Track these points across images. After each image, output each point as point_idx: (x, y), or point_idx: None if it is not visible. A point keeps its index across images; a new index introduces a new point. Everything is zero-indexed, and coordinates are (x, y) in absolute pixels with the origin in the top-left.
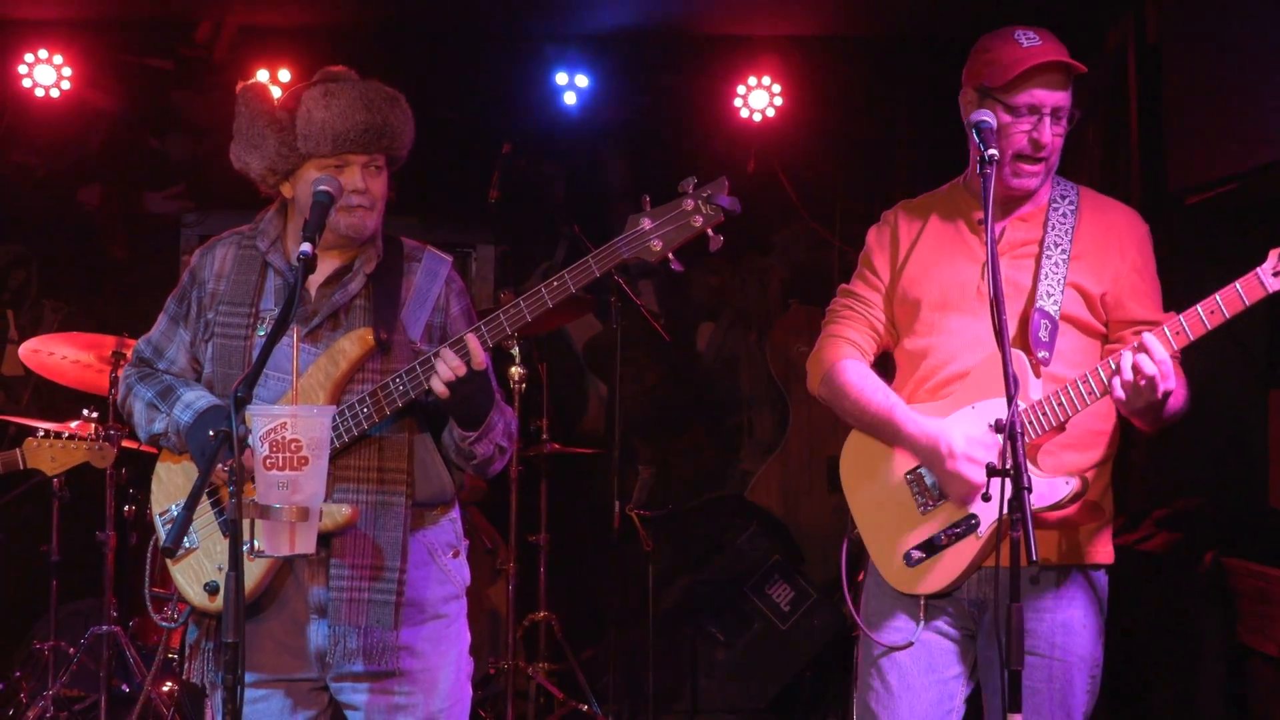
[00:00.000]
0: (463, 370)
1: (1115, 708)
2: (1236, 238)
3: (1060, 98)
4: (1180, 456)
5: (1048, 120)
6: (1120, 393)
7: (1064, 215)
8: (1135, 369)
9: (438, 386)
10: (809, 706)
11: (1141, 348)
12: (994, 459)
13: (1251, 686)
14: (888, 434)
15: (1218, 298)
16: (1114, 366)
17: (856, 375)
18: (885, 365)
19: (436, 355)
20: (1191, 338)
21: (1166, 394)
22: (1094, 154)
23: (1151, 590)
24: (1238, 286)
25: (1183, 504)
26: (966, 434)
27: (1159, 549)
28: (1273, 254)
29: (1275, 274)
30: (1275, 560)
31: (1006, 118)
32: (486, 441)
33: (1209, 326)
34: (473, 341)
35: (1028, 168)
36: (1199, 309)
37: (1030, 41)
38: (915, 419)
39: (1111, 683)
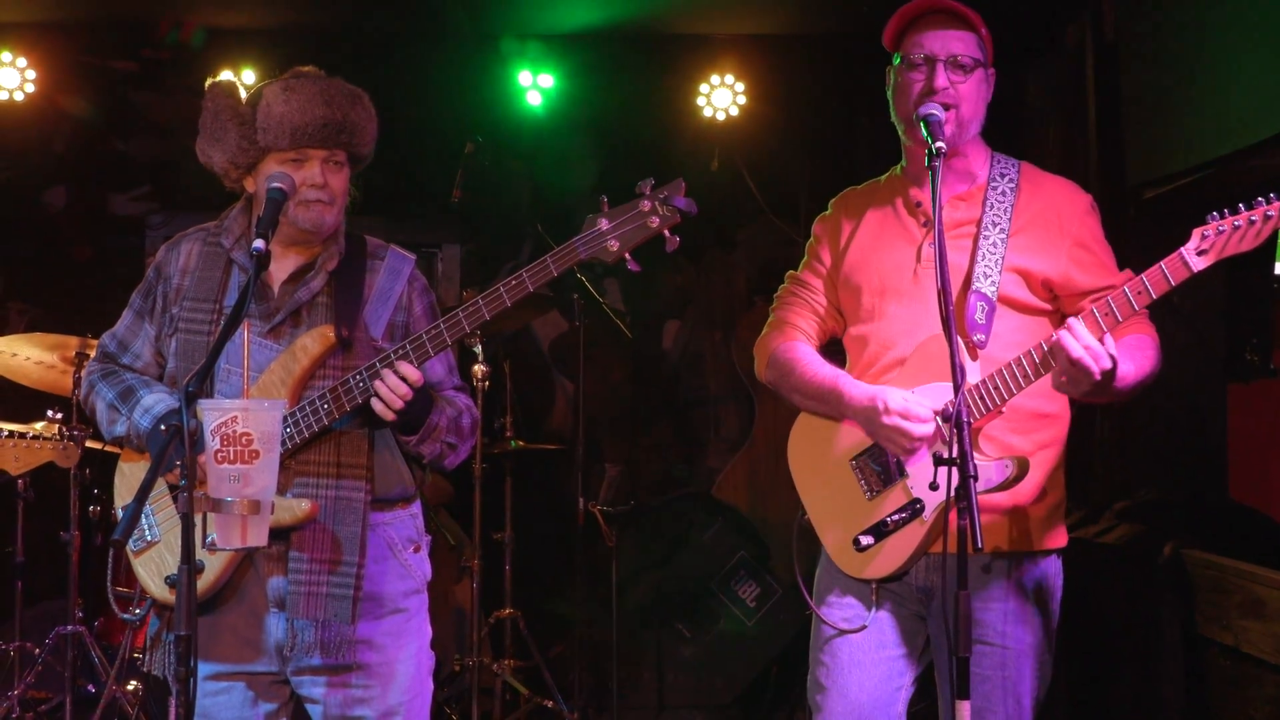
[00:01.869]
0: (409, 396)
1: (1076, 699)
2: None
3: (951, 43)
4: (1140, 449)
5: (941, 66)
6: (1057, 384)
7: (1003, 194)
8: (1060, 350)
9: (383, 411)
10: (775, 702)
11: (1066, 329)
12: (929, 417)
13: (1209, 676)
14: (832, 402)
15: (1144, 279)
16: (1037, 357)
17: (802, 352)
18: (834, 353)
19: (375, 372)
20: (1120, 318)
21: (1107, 373)
22: (1053, 150)
23: (1111, 582)
24: (1163, 266)
25: (1143, 496)
26: (903, 393)
27: (1119, 541)
28: (1195, 233)
29: (1199, 253)
30: (1233, 551)
31: (905, 74)
32: (431, 442)
33: (1136, 307)
34: (404, 366)
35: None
36: (1126, 290)
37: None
38: (856, 384)
39: (1072, 674)
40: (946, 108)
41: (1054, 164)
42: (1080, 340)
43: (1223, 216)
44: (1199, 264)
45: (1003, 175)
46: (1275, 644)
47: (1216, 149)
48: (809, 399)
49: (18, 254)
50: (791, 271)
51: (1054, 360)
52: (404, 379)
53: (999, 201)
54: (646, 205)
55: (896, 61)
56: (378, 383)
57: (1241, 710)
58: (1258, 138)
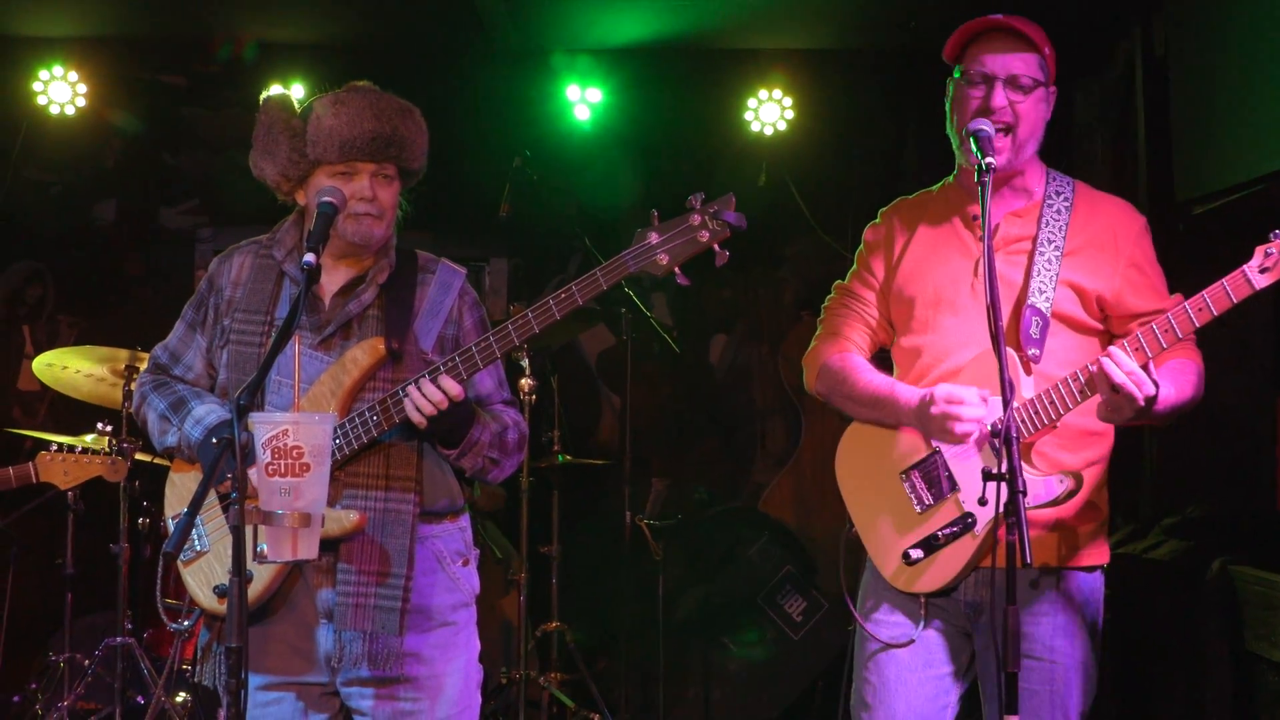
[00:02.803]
0: (444, 404)
1: (1124, 715)
2: (1244, 247)
3: (1011, 63)
4: (1188, 464)
5: (999, 85)
6: (1102, 412)
7: (1058, 211)
8: (1103, 378)
9: (416, 418)
10: (821, 717)
11: (1107, 357)
12: (977, 402)
13: (1258, 694)
14: (887, 408)
15: (1205, 296)
16: (1083, 379)
17: (854, 362)
18: (883, 365)
19: (406, 390)
20: (1180, 335)
21: (1150, 399)
22: (1102, 165)
23: (1159, 598)
24: (1225, 284)
25: (1191, 512)
26: (949, 385)
27: (1167, 556)
28: (1258, 251)
29: (1262, 270)
30: None
31: (964, 90)
32: (472, 456)
33: (1197, 324)
34: (445, 380)
35: None
36: (1187, 307)
37: (985, 15)
38: (909, 388)
39: (1120, 690)
40: (1007, 129)
41: (1102, 180)
42: (1123, 367)
43: None
44: (1262, 281)
45: (1058, 193)
46: None
47: (1266, 165)
48: (863, 407)
49: (68, 267)
50: (840, 282)
51: (1098, 387)
52: (443, 390)
53: (1054, 219)
54: (697, 219)
55: (957, 74)
56: (411, 388)
57: None
58: None
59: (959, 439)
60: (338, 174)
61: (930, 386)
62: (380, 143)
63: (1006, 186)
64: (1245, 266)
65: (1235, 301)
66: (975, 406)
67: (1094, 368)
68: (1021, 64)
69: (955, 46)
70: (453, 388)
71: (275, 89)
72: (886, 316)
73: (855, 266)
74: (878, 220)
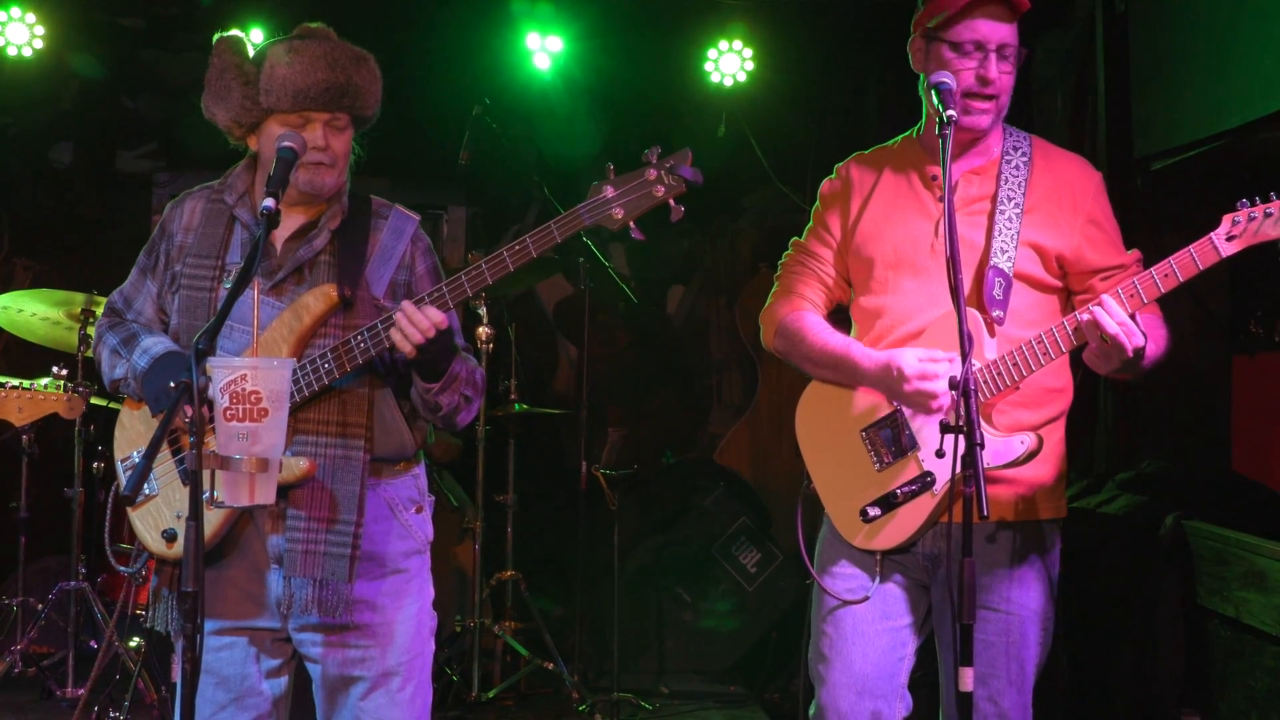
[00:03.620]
0: (431, 331)
1: (1077, 667)
2: (1202, 203)
3: (1005, 32)
4: (1143, 420)
5: (994, 56)
6: (1091, 360)
7: (1016, 168)
8: (1095, 325)
9: (405, 346)
10: (775, 668)
11: (1099, 306)
12: (949, 371)
13: (1210, 647)
14: (845, 370)
15: (1172, 262)
16: (1070, 330)
17: (812, 321)
18: (840, 321)
19: (395, 322)
20: (1145, 300)
21: (1138, 350)
22: (1061, 120)
23: (1113, 552)
24: (1191, 251)
25: (1145, 467)
26: (915, 353)
27: (1121, 511)
28: (1226, 219)
29: (1229, 238)
30: (1236, 523)
31: (951, 55)
32: (450, 392)
33: (1162, 290)
34: (430, 310)
35: (978, 104)
36: (1153, 273)
37: None
38: (869, 352)
39: (1073, 643)
40: (989, 98)
41: (1062, 135)
42: (1115, 317)
43: (1254, 203)
44: (1228, 249)
45: (1015, 149)
46: (1276, 616)
47: (1225, 121)
48: (820, 367)
49: (24, 210)
50: (797, 239)
51: (1086, 336)
52: (429, 319)
53: (1013, 175)
54: (652, 174)
55: (933, 27)
56: (398, 315)
57: (1241, 681)
58: (1267, 110)
59: (934, 411)
60: (290, 123)
61: (892, 349)
62: (334, 92)
63: (967, 147)
64: (1213, 234)
65: (1201, 269)
66: (945, 379)
67: (1085, 317)
68: (1009, 32)
69: (949, 10)
70: (437, 315)
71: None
72: (844, 275)
73: (811, 223)
74: (833, 175)
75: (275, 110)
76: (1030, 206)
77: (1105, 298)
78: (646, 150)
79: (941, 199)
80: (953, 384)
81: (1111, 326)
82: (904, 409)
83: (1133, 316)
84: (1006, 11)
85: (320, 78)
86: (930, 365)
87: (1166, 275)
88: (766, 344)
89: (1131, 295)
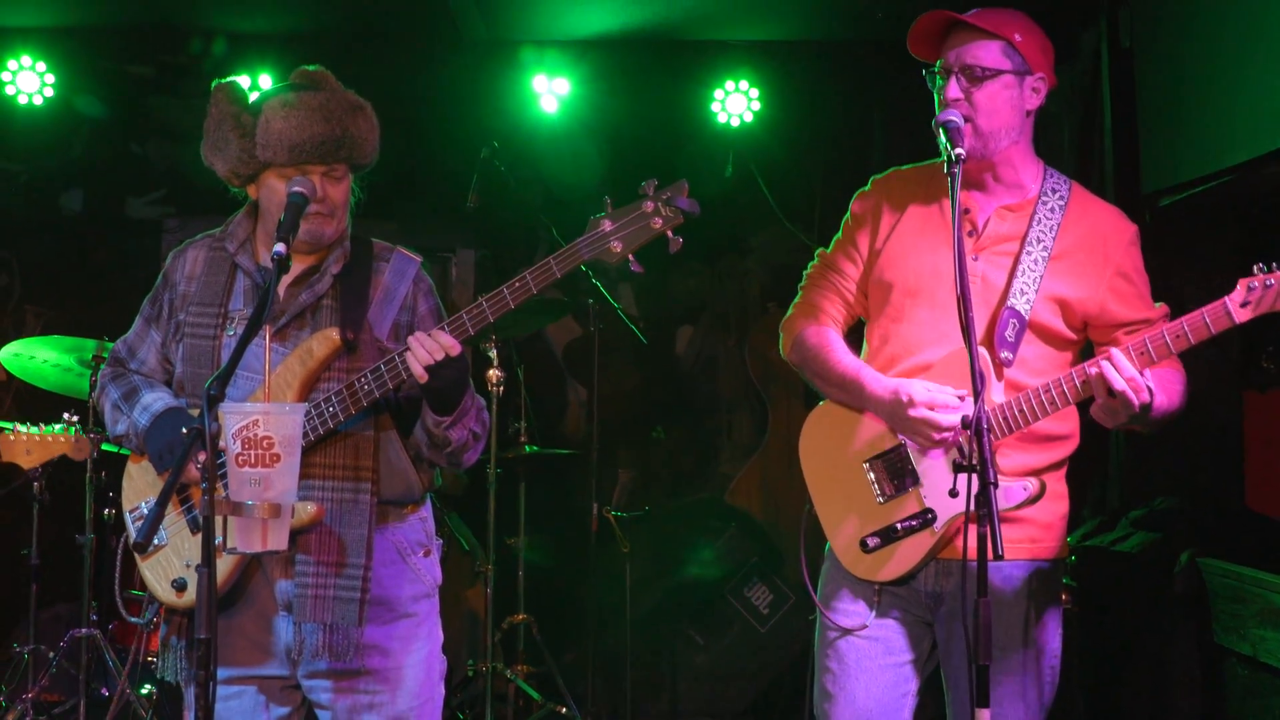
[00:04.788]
0: (440, 355)
1: (1093, 707)
2: (1210, 238)
3: (964, 53)
4: (1156, 457)
5: (953, 78)
6: (1098, 414)
7: (1051, 210)
8: (1103, 381)
9: (417, 370)
10: (788, 709)
11: (1108, 360)
12: (957, 405)
13: (1226, 685)
14: (854, 393)
15: (1184, 324)
16: (1078, 382)
17: (829, 338)
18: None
19: (408, 349)
20: (1155, 359)
21: (1145, 406)
22: (1069, 156)
23: (1128, 591)
24: (1205, 315)
25: (1159, 504)
26: (924, 383)
27: (1135, 549)
28: (1241, 284)
29: (1243, 305)
30: (1250, 560)
31: (930, 84)
32: (460, 427)
33: (1173, 350)
34: (442, 336)
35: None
36: (1165, 333)
37: (942, 10)
38: (879, 377)
39: (1088, 681)
40: (967, 120)
41: (1069, 170)
42: (1123, 373)
43: (1269, 270)
44: (1242, 315)
45: (1054, 191)
46: None
47: (1232, 157)
48: (831, 386)
49: (35, 256)
50: (823, 250)
51: (1094, 390)
52: (441, 344)
53: (1047, 218)
54: (649, 206)
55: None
56: (411, 340)
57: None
58: (1274, 145)
59: (934, 445)
60: (287, 175)
61: (902, 379)
62: (330, 145)
63: (994, 180)
64: (1227, 299)
65: (1214, 333)
66: (952, 412)
67: (1093, 370)
68: (978, 52)
69: (928, 44)
70: (448, 340)
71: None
72: (865, 292)
73: (840, 235)
74: (868, 188)
75: (272, 164)
76: (1058, 253)
77: (1114, 352)
78: (643, 183)
79: (971, 233)
80: (965, 423)
81: (1119, 383)
82: (909, 442)
83: (1141, 372)
84: (973, 32)
85: (316, 131)
86: (939, 396)
87: (1178, 336)
88: (783, 353)
89: (1142, 353)
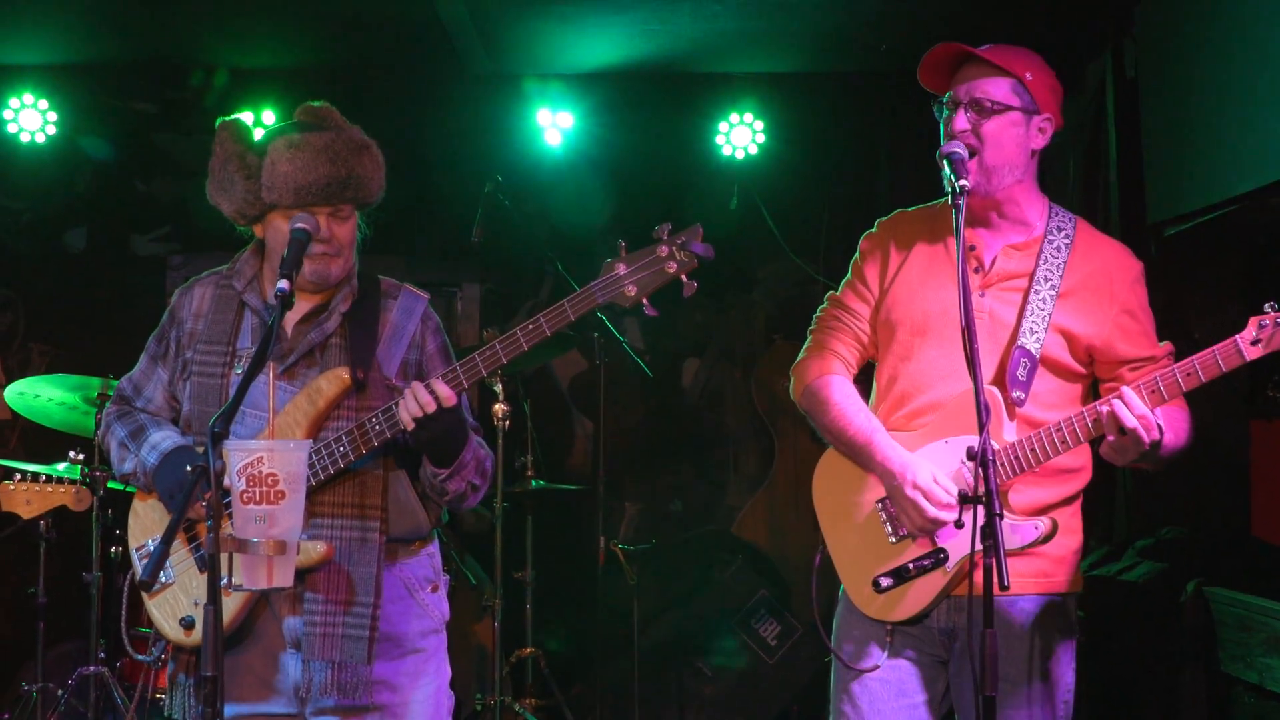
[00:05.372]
0: (432, 407)
1: None
2: (1215, 268)
3: (974, 87)
4: (1163, 487)
5: (961, 110)
6: (1108, 453)
7: (1058, 249)
8: (1115, 419)
9: (405, 420)
10: None
11: (1119, 398)
12: (951, 505)
13: (1234, 714)
14: (863, 459)
15: (1195, 362)
16: (1089, 421)
17: (840, 394)
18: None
19: (392, 415)
20: (1166, 397)
21: (1155, 444)
22: (1074, 187)
23: (1135, 621)
24: (1216, 353)
25: (1166, 534)
26: (934, 470)
27: (1142, 578)
28: (1252, 322)
29: (1254, 343)
30: (1257, 589)
31: (937, 116)
32: (458, 479)
33: (1184, 388)
34: (438, 385)
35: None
36: (1176, 371)
37: (952, 41)
38: (891, 448)
39: (1096, 713)
40: (973, 153)
41: (1075, 201)
42: (1134, 410)
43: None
44: (1253, 353)
45: (1059, 229)
46: None
47: (1237, 186)
48: (840, 444)
49: (39, 295)
50: (833, 293)
51: (1105, 428)
52: (434, 393)
53: (1054, 256)
54: (664, 250)
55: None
56: (406, 393)
57: None
58: (1279, 175)
59: (919, 530)
60: (293, 215)
61: (913, 458)
62: (336, 186)
63: (999, 217)
64: (1238, 336)
65: (1224, 370)
66: (947, 510)
67: (1105, 409)
68: (990, 87)
69: (938, 76)
70: (443, 390)
71: (246, 116)
72: (876, 331)
73: (850, 276)
74: (874, 230)
75: (278, 205)
76: (1066, 290)
77: (1125, 390)
78: (657, 226)
79: (978, 270)
80: (970, 454)
81: (1130, 420)
82: None
83: (1152, 409)
84: (984, 68)
85: (322, 173)
86: (937, 490)
87: (1189, 374)
88: (794, 397)
89: (1153, 391)
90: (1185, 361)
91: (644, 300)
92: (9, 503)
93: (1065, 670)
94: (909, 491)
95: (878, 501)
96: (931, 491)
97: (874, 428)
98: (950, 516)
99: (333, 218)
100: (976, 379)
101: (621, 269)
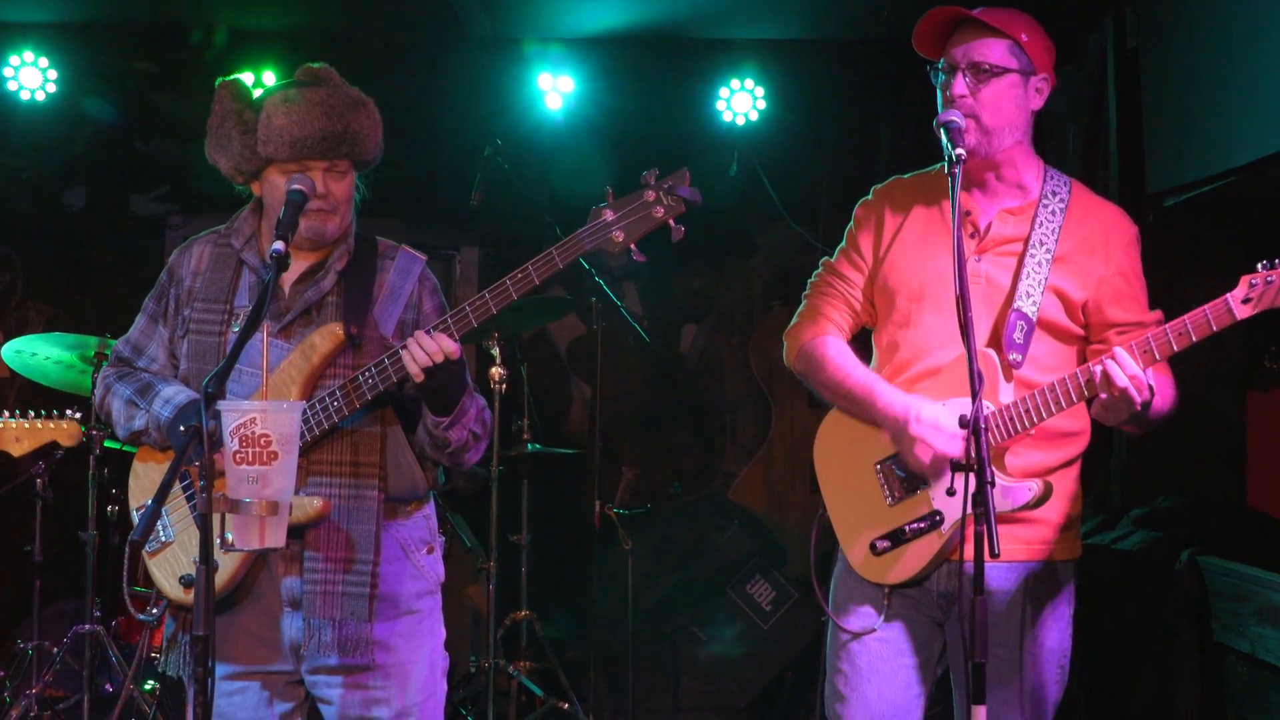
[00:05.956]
0: (439, 356)
1: (1093, 704)
2: (1215, 239)
3: (972, 50)
4: (1159, 456)
5: (959, 74)
6: (1099, 412)
7: (1053, 212)
8: (1106, 378)
9: (414, 370)
10: (790, 705)
11: (1111, 359)
12: (958, 434)
13: (1226, 683)
14: (864, 407)
15: (1186, 321)
16: (1083, 381)
17: (836, 350)
18: (862, 345)
19: (405, 346)
20: (1158, 357)
21: (1145, 404)
22: (1074, 157)
23: (1128, 589)
24: (1207, 312)
25: (1160, 503)
26: (936, 407)
27: (1136, 548)
28: (1243, 281)
29: (1244, 301)
30: (1252, 559)
31: (934, 80)
32: (459, 427)
33: (1176, 348)
34: (441, 337)
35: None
36: (1168, 331)
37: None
38: (892, 392)
39: (1089, 680)
40: (971, 117)
41: (1074, 172)
42: (1126, 370)
43: (1271, 266)
44: (1243, 312)
45: (1054, 193)
46: None
47: (1235, 158)
48: (839, 398)
49: (37, 254)
50: (827, 259)
51: (1098, 388)
52: (440, 345)
53: (1049, 220)
54: (651, 195)
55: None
56: (409, 341)
57: (1259, 718)
58: (1278, 146)
59: (924, 466)
60: (290, 171)
61: (913, 395)
62: (331, 140)
63: (997, 180)
64: (1229, 295)
65: (1216, 330)
66: (953, 441)
67: (1097, 369)
68: (985, 50)
69: (933, 42)
70: (448, 343)
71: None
72: (871, 299)
73: (844, 244)
74: (870, 197)
75: (274, 160)
76: (1061, 253)
77: (1118, 350)
78: (645, 172)
79: (973, 235)
80: (963, 422)
81: (1121, 380)
82: None
83: (1144, 370)
84: (980, 30)
85: (317, 127)
86: (943, 419)
87: (1180, 334)
88: (788, 362)
89: (1145, 351)
90: (1176, 321)
91: (632, 246)
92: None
93: (1062, 637)
94: (913, 429)
95: (876, 465)
96: (939, 423)
97: (873, 378)
98: (955, 450)
99: (329, 174)
100: (971, 348)
101: (609, 215)
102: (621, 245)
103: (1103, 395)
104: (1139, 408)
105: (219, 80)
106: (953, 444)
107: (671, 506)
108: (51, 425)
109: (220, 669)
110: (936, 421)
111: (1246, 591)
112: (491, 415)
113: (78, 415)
